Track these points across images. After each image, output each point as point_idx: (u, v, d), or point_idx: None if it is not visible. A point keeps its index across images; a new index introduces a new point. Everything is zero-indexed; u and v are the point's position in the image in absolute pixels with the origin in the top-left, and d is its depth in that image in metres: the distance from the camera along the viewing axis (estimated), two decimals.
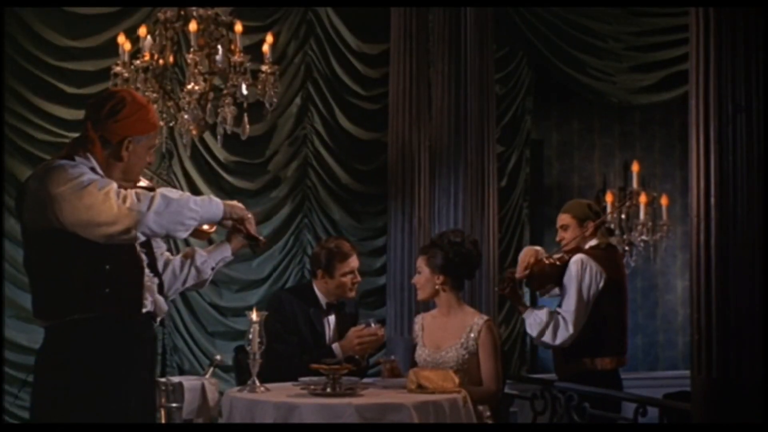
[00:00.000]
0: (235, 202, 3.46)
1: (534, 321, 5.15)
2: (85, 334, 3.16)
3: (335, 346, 4.99)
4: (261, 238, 3.57)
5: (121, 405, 3.20)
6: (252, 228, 3.48)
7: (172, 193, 3.21)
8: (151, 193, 3.15)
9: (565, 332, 5.08)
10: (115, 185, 3.14)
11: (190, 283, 3.62)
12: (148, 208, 3.10)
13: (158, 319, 3.41)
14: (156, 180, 3.72)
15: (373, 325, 4.95)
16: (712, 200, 3.77)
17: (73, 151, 3.26)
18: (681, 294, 8.63)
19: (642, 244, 8.19)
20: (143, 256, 3.33)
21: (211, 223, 3.40)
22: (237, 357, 5.10)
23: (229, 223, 3.42)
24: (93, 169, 3.23)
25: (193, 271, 3.59)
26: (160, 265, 3.47)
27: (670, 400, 5.16)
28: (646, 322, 8.45)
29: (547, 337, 5.14)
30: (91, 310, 3.17)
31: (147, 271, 3.33)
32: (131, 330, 3.26)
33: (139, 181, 3.41)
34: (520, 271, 5.19)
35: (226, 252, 3.67)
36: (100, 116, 3.28)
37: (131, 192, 3.13)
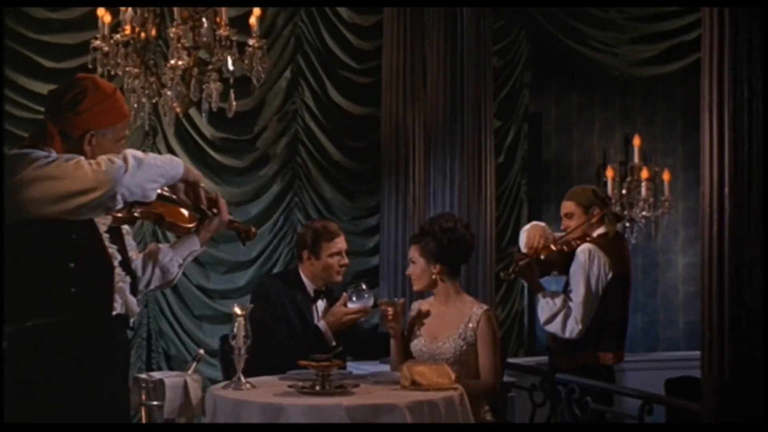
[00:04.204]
0: (191, 167, 3.26)
1: (546, 305, 4.95)
2: (49, 341, 2.92)
3: (322, 324, 4.77)
4: (209, 213, 3.33)
5: (91, 417, 2.97)
6: (202, 199, 3.25)
7: (137, 152, 3.05)
8: (121, 155, 2.97)
9: (574, 325, 4.88)
10: (82, 156, 2.96)
11: (154, 284, 3.37)
12: (125, 169, 2.92)
13: (130, 321, 3.16)
14: None
15: (366, 295, 4.70)
16: (726, 190, 3.55)
17: (32, 146, 3.02)
18: (682, 272, 8.46)
19: (643, 221, 8.02)
20: (116, 254, 3.09)
21: (172, 182, 3.17)
22: (223, 347, 4.89)
23: (181, 186, 3.19)
24: None
25: (157, 271, 3.34)
26: (137, 264, 3.24)
27: (675, 397, 4.97)
28: (646, 301, 8.28)
29: (555, 327, 4.94)
30: (54, 314, 2.93)
31: (119, 270, 3.09)
32: (100, 335, 3.02)
33: None
34: (526, 249, 4.98)
35: (194, 245, 3.41)
36: (59, 108, 3.04)
37: (102, 157, 2.95)
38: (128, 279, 3.13)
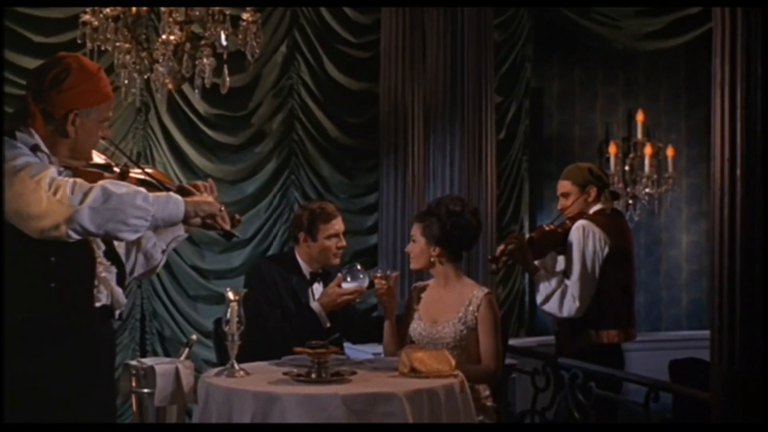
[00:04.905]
0: (202, 198, 2.98)
1: (542, 286, 4.83)
2: (31, 337, 2.78)
3: (315, 305, 4.65)
4: (237, 233, 3.15)
5: (75, 412, 2.84)
6: (225, 223, 3.02)
7: (118, 186, 2.78)
8: (90, 185, 2.73)
9: (571, 303, 4.75)
10: (51, 171, 2.75)
11: (138, 271, 3.23)
12: (81, 201, 2.68)
13: (117, 312, 3.02)
14: (115, 154, 3.30)
15: (361, 275, 4.58)
16: (738, 171, 3.40)
17: (14, 126, 2.88)
18: (686, 249, 8.33)
19: (646, 198, 7.91)
20: (100, 242, 2.95)
21: (168, 225, 2.94)
22: (217, 331, 4.76)
23: (198, 221, 2.95)
24: (36, 147, 2.84)
25: (141, 258, 3.20)
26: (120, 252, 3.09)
27: (680, 379, 4.87)
28: (649, 279, 8.14)
29: (552, 306, 4.82)
30: (35, 309, 2.79)
31: (103, 259, 2.95)
32: (82, 328, 2.88)
33: (91, 159, 3.01)
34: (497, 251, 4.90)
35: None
36: (42, 87, 2.90)
37: (67, 182, 2.72)
38: (113, 269, 2.99)
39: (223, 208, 3.03)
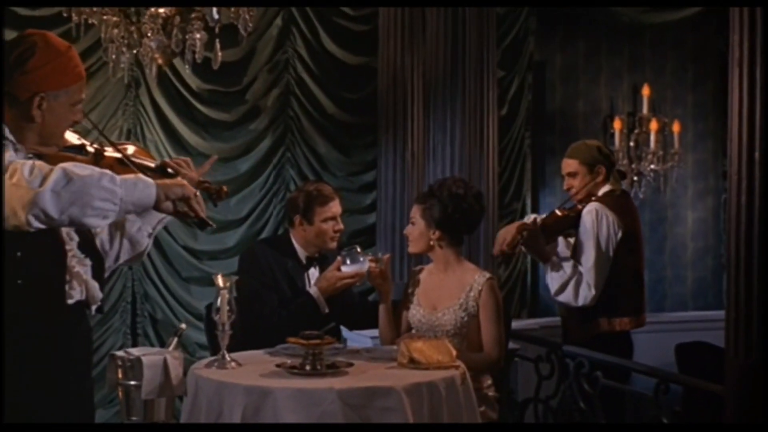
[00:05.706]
0: (174, 181, 2.75)
1: (556, 274, 4.62)
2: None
3: (314, 290, 4.49)
4: (212, 223, 2.92)
5: (52, 412, 2.68)
6: (201, 209, 2.77)
7: (82, 168, 2.53)
8: (50, 167, 2.49)
9: (586, 292, 4.54)
10: (7, 156, 2.53)
11: (124, 258, 3.02)
12: (41, 184, 2.44)
13: (93, 307, 2.84)
14: (96, 137, 3.11)
15: (361, 258, 4.41)
16: (756, 155, 3.21)
17: None
18: (691, 227, 8.16)
19: (651, 174, 7.73)
20: (73, 234, 2.75)
21: (143, 209, 2.69)
22: (209, 317, 4.59)
23: (169, 205, 2.69)
24: None
25: (126, 243, 2.99)
26: (103, 238, 2.90)
27: (687, 363, 4.70)
28: (653, 257, 7.96)
29: (567, 296, 4.59)
30: (1, 308, 2.59)
31: (76, 252, 2.76)
32: (56, 327, 2.70)
33: (63, 144, 2.82)
34: (497, 246, 4.68)
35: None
36: (5, 67, 2.67)
37: (24, 164, 2.49)
38: (88, 262, 2.79)
39: (198, 193, 2.77)
